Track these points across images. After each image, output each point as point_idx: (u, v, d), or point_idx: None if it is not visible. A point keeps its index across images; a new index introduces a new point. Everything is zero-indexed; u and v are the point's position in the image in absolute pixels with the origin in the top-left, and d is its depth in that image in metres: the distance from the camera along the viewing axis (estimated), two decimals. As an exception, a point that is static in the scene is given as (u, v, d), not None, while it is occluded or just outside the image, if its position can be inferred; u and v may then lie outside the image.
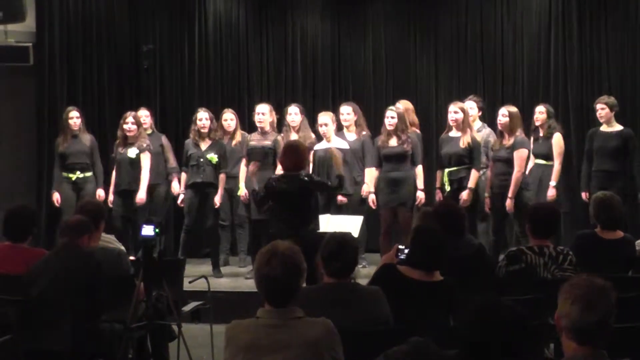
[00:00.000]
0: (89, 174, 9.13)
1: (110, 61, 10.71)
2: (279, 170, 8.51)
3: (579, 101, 10.21)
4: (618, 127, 8.68)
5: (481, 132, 8.94)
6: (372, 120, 9.88)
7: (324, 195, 8.14)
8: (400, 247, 5.04)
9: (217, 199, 8.90)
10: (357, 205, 8.71)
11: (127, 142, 8.91)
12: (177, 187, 9.28)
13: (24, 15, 9.86)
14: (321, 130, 8.70)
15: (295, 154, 6.97)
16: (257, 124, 8.81)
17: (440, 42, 10.87)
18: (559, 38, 10.35)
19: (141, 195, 8.86)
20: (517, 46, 10.58)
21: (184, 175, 9.03)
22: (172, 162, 9.47)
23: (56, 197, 9.08)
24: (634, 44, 10.10)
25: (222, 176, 8.91)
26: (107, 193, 9.07)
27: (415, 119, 9.10)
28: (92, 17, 10.65)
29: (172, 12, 11.03)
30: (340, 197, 8.58)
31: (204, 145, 8.91)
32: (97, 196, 8.89)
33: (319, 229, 7.00)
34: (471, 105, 8.93)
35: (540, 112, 8.78)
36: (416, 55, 10.91)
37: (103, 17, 10.69)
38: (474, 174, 8.32)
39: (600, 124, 8.75)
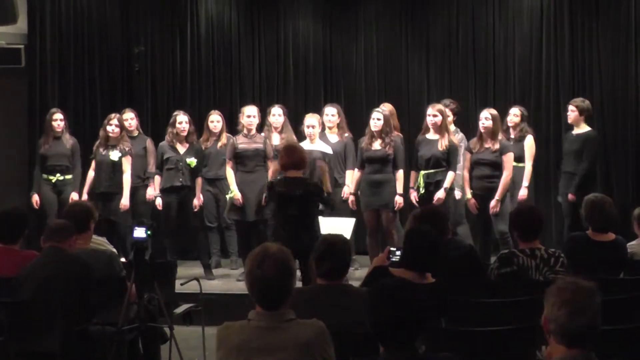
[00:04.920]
0: (68, 176, 9.11)
1: (101, 63, 10.70)
2: (268, 173, 8.58)
3: (571, 102, 10.23)
4: (584, 130, 8.76)
5: (456, 136, 8.98)
6: (364, 122, 9.86)
7: None
8: (392, 249, 5.05)
9: (196, 202, 8.86)
10: (340, 207, 8.69)
11: (107, 143, 8.89)
12: (152, 192, 9.22)
13: (16, 17, 9.86)
14: (307, 131, 8.67)
15: (296, 154, 7.00)
16: (247, 126, 8.75)
17: (431, 44, 10.86)
18: (551, 39, 10.36)
19: (124, 202, 8.84)
20: (509, 48, 10.58)
21: (157, 179, 8.93)
22: (152, 167, 9.38)
23: (35, 199, 9.03)
24: (625, 45, 10.11)
25: (198, 180, 8.89)
26: (81, 194, 9.01)
27: (397, 123, 9.12)
28: (83, 18, 10.64)
29: (163, 14, 11.01)
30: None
31: (181, 149, 8.85)
32: (69, 199, 8.81)
33: (319, 234, 6.96)
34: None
35: (515, 115, 8.88)
36: (407, 56, 10.90)
37: (95, 19, 10.68)
38: (450, 175, 8.37)
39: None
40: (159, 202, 8.90)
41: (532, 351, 4.31)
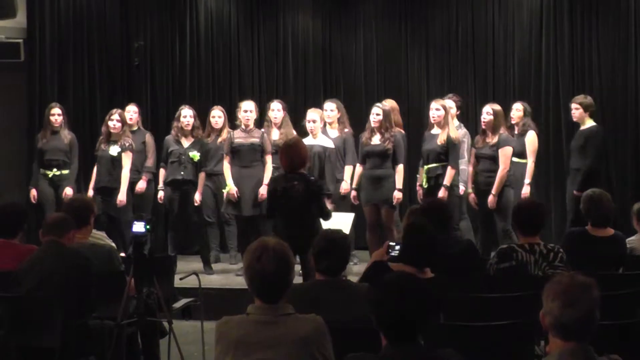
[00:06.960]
0: (65, 171, 9.07)
1: (101, 57, 10.69)
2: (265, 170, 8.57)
3: (570, 98, 10.19)
4: (588, 125, 8.69)
5: (458, 131, 8.96)
6: (363, 118, 9.86)
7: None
8: (391, 243, 5.04)
9: (197, 197, 8.87)
10: (338, 202, 8.70)
11: (110, 139, 8.89)
12: (143, 185, 9.17)
13: (15, 12, 9.85)
14: (309, 126, 8.68)
15: (296, 151, 6.97)
16: (244, 121, 8.74)
17: (431, 40, 10.86)
18: (550, 35, 10.35)
19: (121, 197, 8.80)
20: (508, 44, 10.57)
21: (162, 172, 8.97)
22: (150, 162, 9.32)
23: (33, 193, 9.04)
24: (624, 41, 10.10)
25: (202, 174, 8.90)
26: (86, 190, 9.02)
27: (399, 119, 9.09)
28: (83, 13, 10.63)
29: (163, 9, 11.01)
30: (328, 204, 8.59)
31: (186, 143, 8.88)
32: (63, 194, 8.83)
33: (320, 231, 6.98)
34: (450, 105, 8.94)
35: (517, 110, 8.87)
36: (407, 53, 10.89)
37: (94, 13, 10.67)
38: (449, 172, 8.34)
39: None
40: (160, 195, 8.95)
41: (531, 346, 4.31)
